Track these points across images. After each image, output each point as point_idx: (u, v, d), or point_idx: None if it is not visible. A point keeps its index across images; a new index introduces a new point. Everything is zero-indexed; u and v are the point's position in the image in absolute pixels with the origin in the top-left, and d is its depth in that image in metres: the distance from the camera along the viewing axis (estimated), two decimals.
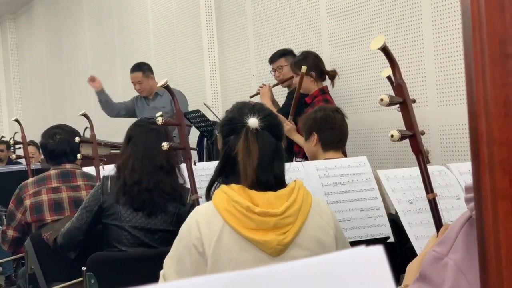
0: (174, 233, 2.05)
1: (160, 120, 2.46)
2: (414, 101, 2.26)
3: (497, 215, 0.57)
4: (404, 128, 1.82)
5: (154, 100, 5.90)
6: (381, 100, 1.77)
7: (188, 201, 2.84)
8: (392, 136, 1.75)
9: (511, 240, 0.56)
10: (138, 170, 2.82)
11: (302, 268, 0.45)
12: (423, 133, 2.08)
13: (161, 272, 1.99)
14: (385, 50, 1.79)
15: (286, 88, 4.79)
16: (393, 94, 1.83)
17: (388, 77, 1.86)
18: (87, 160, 3.56)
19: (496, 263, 0.57)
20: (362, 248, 0.45)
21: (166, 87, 2.55)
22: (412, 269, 1.61)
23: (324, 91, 4.21)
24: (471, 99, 0.58)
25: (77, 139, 3.48)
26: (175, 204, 2.86)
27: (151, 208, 2.82)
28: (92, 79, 6.22)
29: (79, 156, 3.47)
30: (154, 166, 2.83)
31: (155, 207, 2.82)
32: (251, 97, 4.76)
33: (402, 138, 1.76)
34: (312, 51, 4.42)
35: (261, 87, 4.75)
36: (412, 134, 1.80)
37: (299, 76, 4.18)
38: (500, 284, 0.58)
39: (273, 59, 4.82)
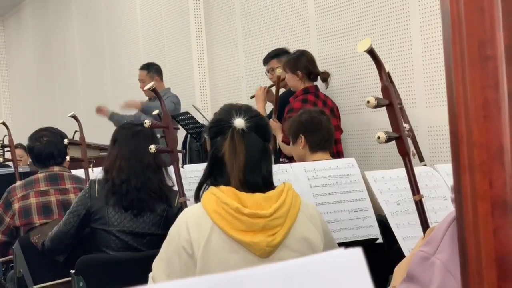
0: (163, 237, 2.05)
1: (147, 123, 2.46)
2: (400, 103, 2.27)
3: (477, 217, 0.57)
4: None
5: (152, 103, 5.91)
6: (368, 102, 1.77)
7: (176, 204, 2.85)
8: (378, 138, 1.75)
9: (491, 241, 0.57)
10: (126, 169, 2.82)
11: (282, 271, 0.45)
12: (409, 135, 2.09)
13: (150, 275, 1.99)
14: (371, 52, 1.79)
15: (283, 89, 4.79)
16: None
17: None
18: (75, 163, 3.55)
19: (477, 264, 0.58)
20: (341, 250, 0.45)
21: (153, 90, 2.55)
22: (399, 270, 1.61)
23: (307, 90, 4.20)
24: (451, 102, 0.58)
25: (66, 141, 3.46)
26: (163, 207, 2.86)
27: (139, 207, 2.82)
28: (98, 111, 6.27)
29: (67, 158, 3.45)
30: (142, 165, 2.83)
31: (143, 206, 2.82)
32: (251, 97, 4.78)
33: (388, 140, 1.76)
34: (307, 51, 4.43)
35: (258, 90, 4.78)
36: (398, 136, 1.80)
37: (287, 73, 4.23)
38: (481, 285, 0.58)
39: (266, 61, 4.83)
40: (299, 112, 3.38)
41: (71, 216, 2.88)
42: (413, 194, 1.84)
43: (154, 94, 2.62)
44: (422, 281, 1.21)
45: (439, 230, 1.23)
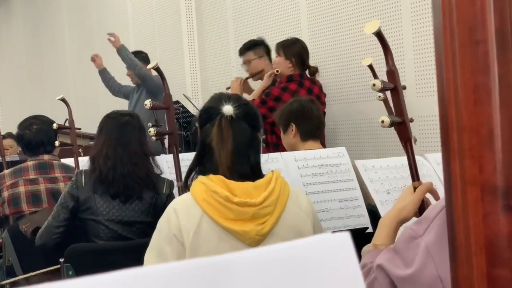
0: (152, 225, 2.05)
1: (148, 104, 2.44)
2: (404, 87, 2.26)
3: (467, 202, 0.57)
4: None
5: (137, 92, 5.88)
6: (374, 85, 1.76)
7: (164, 191, 2.85)
8: (382, 122, 1.74)
9: (481, 226, 0.56)
10: (112, 157, 2.81)
11: (268, 255, 0.44)
12: (411, 120, 2.09)
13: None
14: (379, 35, 1.77)
15: (260, 81, 4.76)
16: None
17: (370, 66, 1.84)
18: (65, 151, 3.52)
19: (466, 250, 0.57)
20: (328, 234, 0.45)
21: (157, 69, 2.52)
22: (383, 224, 1.65)
23: (291, 78, 4.20)
24: (441, 86, 0.58)
25: (54, 125, 3.44)
26: (151, 194, 2.85)
27: (126, 194, 2.81)
28: (93, 59, 6.09)
29: (57, 143, 3.43)
30: (128, 153, 2.83)
31: (130, 193, 2.81)
32: (227, 89, 4.72)
33: (392, 124, 1.75)
34: (302, 40, 4.42)
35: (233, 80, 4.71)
36: (401, 121, 1.79)
37: (279, 57, 4.23)
38: (470, 270, 0.58)
39: (241, 52, 4.72)
40: (289, 101, 3.39)
41: (60, 209, 2.86)
42: (413, 180, 1.83)
43: (157, 73, 2.59)
44: (406, 257, 1.26)
45: (432, 211, 1.25)
